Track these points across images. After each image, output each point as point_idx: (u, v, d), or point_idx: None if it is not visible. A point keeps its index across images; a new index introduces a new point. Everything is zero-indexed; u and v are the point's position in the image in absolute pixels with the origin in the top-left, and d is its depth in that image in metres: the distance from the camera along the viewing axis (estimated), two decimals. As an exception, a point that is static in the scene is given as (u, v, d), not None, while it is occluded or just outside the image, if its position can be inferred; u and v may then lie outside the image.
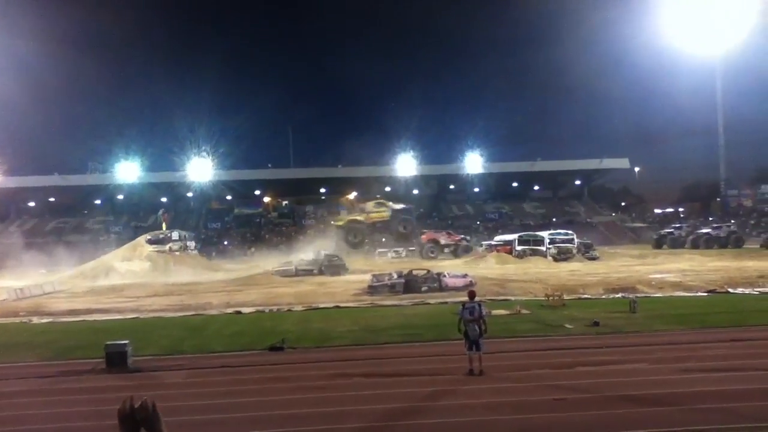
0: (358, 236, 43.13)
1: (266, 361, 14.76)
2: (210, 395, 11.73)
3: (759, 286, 25.96)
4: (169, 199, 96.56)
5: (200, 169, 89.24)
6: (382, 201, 47.05)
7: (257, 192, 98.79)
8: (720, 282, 27.64)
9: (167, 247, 53.38)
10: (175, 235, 56.26)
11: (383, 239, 76.71)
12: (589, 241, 54.19)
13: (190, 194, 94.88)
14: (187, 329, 20.12)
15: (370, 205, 46.61)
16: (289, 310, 24.16)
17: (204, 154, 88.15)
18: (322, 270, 42.11)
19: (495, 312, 20.76)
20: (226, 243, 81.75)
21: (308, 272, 41.84)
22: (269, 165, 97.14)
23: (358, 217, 45.50)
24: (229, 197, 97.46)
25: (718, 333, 16.28)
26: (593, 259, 48.73)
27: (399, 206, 46.13)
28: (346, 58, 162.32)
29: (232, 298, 29.09)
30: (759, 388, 10.84)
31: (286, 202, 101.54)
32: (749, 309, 20.16)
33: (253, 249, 76.37)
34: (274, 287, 34.27)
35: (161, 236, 55.03)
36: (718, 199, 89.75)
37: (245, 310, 24.55)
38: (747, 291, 25.05)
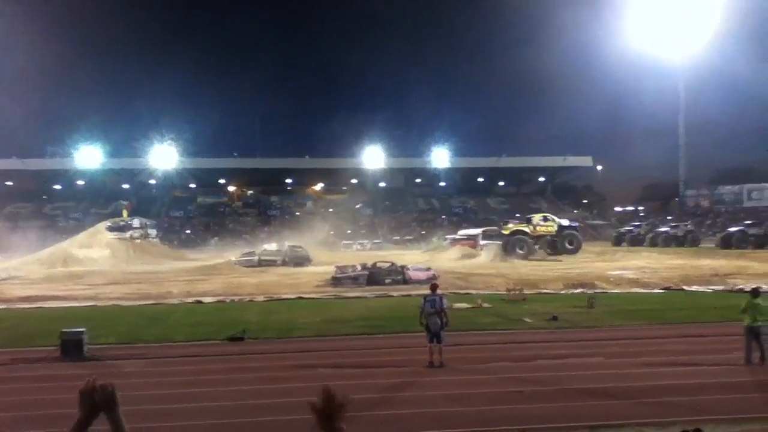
0: (524, 248, 45.36)
1: (227, 351, 14.66)
2: (169, 385, 11.61)
3: (713, 284, 26.67)
4: (131, 186, 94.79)
5: (164, 157, 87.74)
6: (548, 216, 49.38)
7: (222, 181, 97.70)
8: (676, 279, 28.33)
9: (128, 234, 52.44)
10: (136, 222, 55.29)
11: (349, 231, 76.82)
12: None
13: (152, 181, 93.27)
14: (147, 318, 19.84)
15: (537, 218, 48.54)
16: (251, 301, 24.01)
17: (168, 141, 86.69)
18: (286, 261, 41.94)
19: (456, 305, 20.91)
20: (188, 232, 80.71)
21: (271, 263, 41.62)
22: (235, 154, 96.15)
23: (525, 229, 47.44)
24: (192, 185, 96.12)
25: (672, 329, 16.72)
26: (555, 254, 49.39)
27: (565, 222, 48.36)
28: (316, 50, 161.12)
29: (193, 287, 28.74)
30: (711, 383, 11.19)
31: (252, 192, 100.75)
32: (703, 306, 20.70)
33: (216, 238, 75.59)
34: (237, 277, 34.00)
35: (122, 223, 54.00)
36: (677, 199, 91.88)
37: (206, 299, 24.31)
38: (701, 288, 25.72)
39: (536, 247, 46.27)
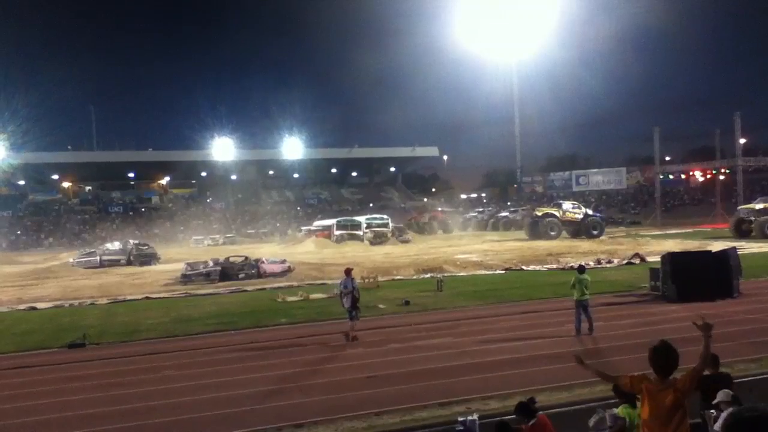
0: (555, 229, 47.70)
1: (65, 359, 13.61)
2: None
3: (547, 264, 28.95)
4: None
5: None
6: (577, 203, 52.86)
7: (55, 176, 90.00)
8: (515, 260, 30.42)
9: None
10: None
11: (199, 225, 73.99)
12: (402, 225, 56.73)
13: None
14: (-32, 330, 17.83)
15: (567, 204, 51.09)
16: (92, 304, 22.38)
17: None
18: (131, 260, 39.53)
19: (312, 296, 21.11)
20: (18, 233, 73.51)
21: (115, 262, 39.05)
22: (69, 147, 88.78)
23: (556, 213, 49.40)
24: (21, 182, 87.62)
25: (512, 306, 17.96)
26: (406, 242, 51.08)
27: (590, 211, 51.66)
28: (157, 35, 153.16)
29: (25, 293, 26.26)
30: (546, 354, 12.13)
31: (90, 187, 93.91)
32: (539, 284, 22.45)
33: (50, 238, 69.65)
34: (75, 279, 31.54)
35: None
36: (515, 185, 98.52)
37: (41, 305, 22.31)
38: (537, 268, 27.82)
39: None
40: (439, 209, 77.76)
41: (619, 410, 5.96)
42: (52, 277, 33.67)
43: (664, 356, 4.76)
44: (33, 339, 15.89)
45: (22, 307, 22.17)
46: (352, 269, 15.72)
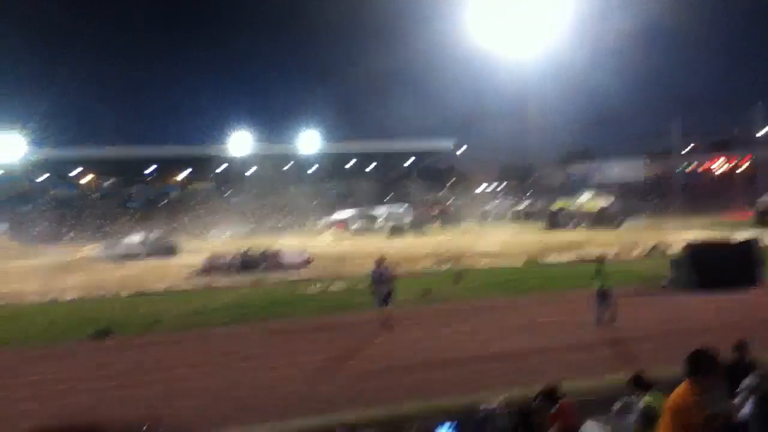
0: (573, 220, 48.65)
1: (89, 349, 13.83)
2: (17, 387, 10.79)
3: (567, 255, 28.69)
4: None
5: (9, 146, 79.88)
6: (597, 195, 53.37)
7: (76, 171, 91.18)
8: (534, 252, 30.24)
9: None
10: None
11: (218, 219, 74.55)
12: (419, 217, 56.67)
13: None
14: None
15: (586, 195, 52.37)
16: (114, 296, 22.69)
17: (13, 129, 78.83)
18: (152, 252, 39.95)
19: (331, 288, 21.20)
20: (41, 227, 74.60)
21: (136, 255, 39.49)
22: (89, 142, 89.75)
23: (574, 204, 50.64)
24: (43, 177, 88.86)
25: (532, 297, 17.92)
26: (423, 234, 50.92)
27: (609, 203, 51.78)
28: (175, 31, 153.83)
29: (49, 285, 26.63)
30: (569, 343, 12.07)
31: (110, 182, 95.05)
32: (557, 276, 22.32)
33: (72, 232, 70.63)
34: (98, 272, 31.96)
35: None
36: (533, 177, 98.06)
37: (64, 297, 22.66)
38: (558, 259, 27.63)
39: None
40: (456, 201, 77.57)
41: (648, 399, 5.87)
42: (75, 269, 34.12)
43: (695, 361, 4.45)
44: (57, 330, 16.15)
45: (46, 299, 22.52)
46: (385, 258, 15.34)
